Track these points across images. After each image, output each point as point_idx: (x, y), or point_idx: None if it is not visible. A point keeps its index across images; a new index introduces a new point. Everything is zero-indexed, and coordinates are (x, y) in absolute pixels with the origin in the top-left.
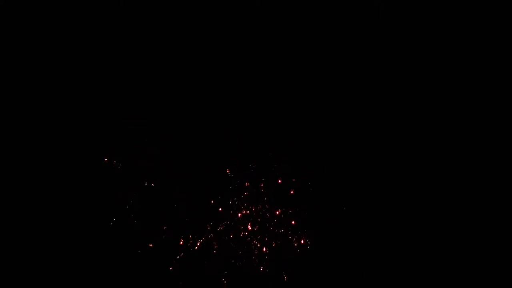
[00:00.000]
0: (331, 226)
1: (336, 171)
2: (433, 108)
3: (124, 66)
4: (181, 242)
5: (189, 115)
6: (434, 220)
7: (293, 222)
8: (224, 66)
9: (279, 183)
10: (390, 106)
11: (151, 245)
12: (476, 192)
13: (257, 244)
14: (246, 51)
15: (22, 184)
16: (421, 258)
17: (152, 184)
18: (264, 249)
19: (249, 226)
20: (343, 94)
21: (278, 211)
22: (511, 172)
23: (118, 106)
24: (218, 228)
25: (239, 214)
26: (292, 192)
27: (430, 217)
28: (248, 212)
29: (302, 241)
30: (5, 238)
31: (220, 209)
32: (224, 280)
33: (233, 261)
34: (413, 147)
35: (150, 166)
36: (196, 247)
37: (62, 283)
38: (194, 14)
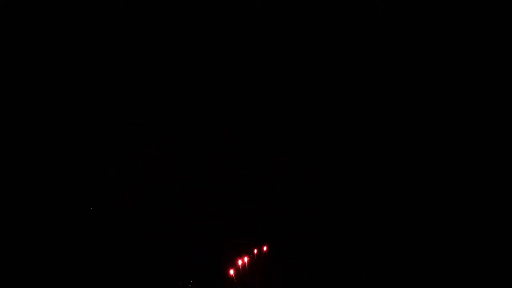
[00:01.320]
0: (331, 226)
1: (336, 171)
2: (433, 107)
3: (124, 66)
4: (181, 242)
5: (189, 115)
6: (434, 220)
7: (293, 222)
8: (224, 66)
9: (279, 183)
10: (390, 106)
11: (150, 244)
12: (475, 191)
13: (256, 245)
14: (246, 51)
15: (21, 183)
16: (421, 258)
17: (152, 184)
18: (264, 249)
19: (249, 226)
20: (343, 93)
21: (278, 211)
22: (511, 172)
23: (118, 106)
24: (217, 228)
25: (239, 214)
26: (292, 192)
27: (430, 217)
28: (248, 212)
29: (302, 241)
30: (5, 238)
31: (220, 209)
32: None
33: (232, 259)
34: (413, 147)
35: (150, 166)
36: (195, 247)
37: (62, 283)
38: (194, 14)
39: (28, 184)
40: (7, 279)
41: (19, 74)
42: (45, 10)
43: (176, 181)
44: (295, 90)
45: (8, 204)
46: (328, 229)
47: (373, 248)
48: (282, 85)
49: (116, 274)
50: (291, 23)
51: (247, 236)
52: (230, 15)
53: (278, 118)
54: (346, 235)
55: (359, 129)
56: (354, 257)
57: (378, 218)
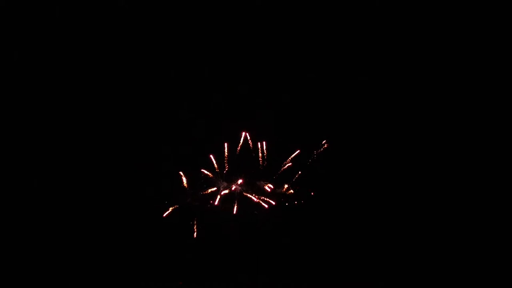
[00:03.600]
0: (331, 226)
1: (336, 171)
2: (433, 107)
3: (124, 66)
4: (181, 242)
5: (188, 115)
6: (433, 220)
7: (295, 222)
8: (224, 66)
9: (279, 183)
10: (390, 106)
11: (151, 244)
12: (473, 189)
13: (258, 244)
14: (246, 51)
15: (22, 183)
16: (421, 258)
17: (152, 184)
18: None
19: (250, 226)
20: (343, 93)
21: (279, 211)
22: (510, 172)
23: (118, 106)
24: (217, 229)
25: (239, 214)
26: (292, 192)
27: (429, 216)
28: (249, 212)
29: (303, 240)
30: (6, 238)
31: (219, 209)
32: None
33: (234, 261)
34: (412, 147)
35: (150, 166)
36: (194, 247)
37: (62, 283)
38: (194, 14)
39: (26, 184)
40: (7, 279)
41: (19, 74)
42: (45, 10)
43: (176, 180)
44: (295, 89)
45: (7, 203)
46: (329, 229)
47: (372, 249)
48: (282, 85)
49: (116, 274)
50: (290, 23)
51: (246, 237)
52: (230, 14)
53: (278, 118)
54: (346, 236)
55: (359, 129)
56: (353, 257)
57: (378, 219)
